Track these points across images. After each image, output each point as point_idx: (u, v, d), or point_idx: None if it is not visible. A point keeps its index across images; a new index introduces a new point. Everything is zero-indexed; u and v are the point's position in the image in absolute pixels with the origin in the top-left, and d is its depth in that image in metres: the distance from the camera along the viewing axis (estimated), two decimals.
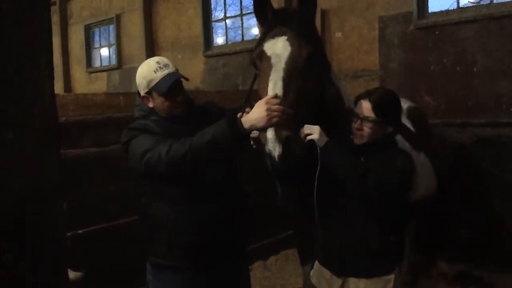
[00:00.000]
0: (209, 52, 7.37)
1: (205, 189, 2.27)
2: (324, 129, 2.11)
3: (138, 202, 2.44)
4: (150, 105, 2.32)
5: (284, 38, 2.19)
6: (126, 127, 2.31)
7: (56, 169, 1.10)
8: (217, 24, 7.62)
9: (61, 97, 4.14)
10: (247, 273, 2.70)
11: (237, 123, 2.03)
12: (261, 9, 2.36)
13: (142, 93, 2.32)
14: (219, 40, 7.69)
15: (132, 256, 3.41)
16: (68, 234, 3.31)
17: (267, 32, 2.27)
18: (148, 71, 2.28)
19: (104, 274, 3.37)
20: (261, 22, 2.37)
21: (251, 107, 2.09)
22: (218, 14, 7.60)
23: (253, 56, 2.29)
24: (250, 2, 7.01)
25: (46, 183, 1.07)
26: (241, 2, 7.16)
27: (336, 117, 2.39)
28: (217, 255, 2.33)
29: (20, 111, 0.99)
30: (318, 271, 2.46)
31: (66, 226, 3.23)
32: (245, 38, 7.17)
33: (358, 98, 2.30)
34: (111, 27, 9.38)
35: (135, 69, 2.44)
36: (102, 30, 9.91)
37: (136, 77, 2.34)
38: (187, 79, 2.35)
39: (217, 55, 7.28)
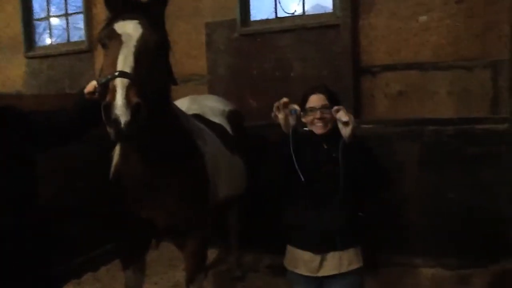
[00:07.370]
0: (31, 53, 6.79)
1: None
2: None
3: None
4: None
5: (136, 21, 2.21)
6: None
7: None
8: (44, 23, 7.06)
9: None
10: None
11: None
12: None
13: None
14: (48, 40, 7.15)
15: None
16: None
17: (117, 16, 2.26)
18: None
19: None
20: (111, 9, 2.34)
21: None
22: (43, 12, 7.05)
23: (101, 36, 2.26)
24: (77, 1, 6.67)
25: None
26: (65, 0, 6.74)
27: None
28: None
29: None
30: (292, 255, 2.65)
31: None
32: (72, 39, 6.76)
33: (306, 95, 2.60)
34: None
35: None
36: None
37: None
38: None
39: (40, 57, 6.74)
